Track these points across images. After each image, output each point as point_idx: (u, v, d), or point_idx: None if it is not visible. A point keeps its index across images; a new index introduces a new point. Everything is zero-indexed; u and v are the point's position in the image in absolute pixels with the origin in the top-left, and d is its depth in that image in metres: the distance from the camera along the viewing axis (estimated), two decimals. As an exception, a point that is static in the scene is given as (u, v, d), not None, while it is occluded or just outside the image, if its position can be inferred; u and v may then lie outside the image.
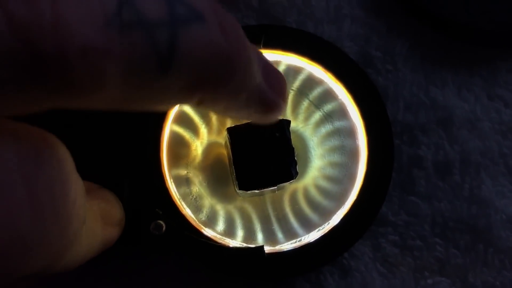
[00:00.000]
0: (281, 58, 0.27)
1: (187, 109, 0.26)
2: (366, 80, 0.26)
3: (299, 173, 0.26)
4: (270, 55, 0.26)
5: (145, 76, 0.13)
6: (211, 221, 0.25)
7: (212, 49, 0.14)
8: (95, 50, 0.12)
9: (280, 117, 0.24)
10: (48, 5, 0.11)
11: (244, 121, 0.24)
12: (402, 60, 0.29)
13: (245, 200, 0.26)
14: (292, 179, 0.24)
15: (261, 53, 0.18)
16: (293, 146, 0.24)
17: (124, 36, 0.12)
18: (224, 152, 0.26)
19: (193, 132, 0.26)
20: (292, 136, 0.26)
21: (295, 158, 0.24)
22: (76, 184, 0.15)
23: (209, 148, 0.26)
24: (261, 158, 0.24)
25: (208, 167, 0.26)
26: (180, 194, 0.25)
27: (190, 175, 0.26)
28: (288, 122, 0.24)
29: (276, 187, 0.25)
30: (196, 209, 0.25)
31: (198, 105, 0.16)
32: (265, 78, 0.18)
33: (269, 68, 0.19)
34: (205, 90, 0.15)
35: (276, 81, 0.19)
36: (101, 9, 0.12)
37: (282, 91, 0.19)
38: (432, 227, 0.27)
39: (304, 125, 0.27)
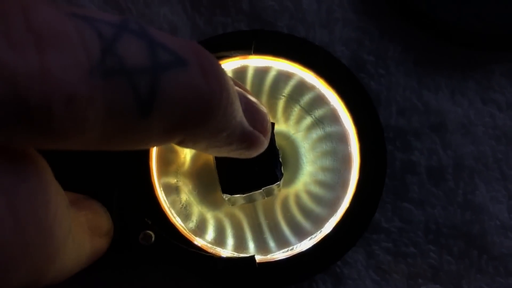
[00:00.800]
0: (272, 64, 0.26)
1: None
2: (358, 85, 0.26)
3: (290, 180, 0.26)
4: (261, 60, 0.26)
5: (126, 121, 0.13)
6: (200, 230, 0.25)
7: (193, 93, 0.14)
8: (79, 98, 0.12)
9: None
10: (35, 54, 0.11)
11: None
12: (395, 64, 0.29)
13: (236, 208, 0.25)
14: (277, 181, 0.24)
15: (243, 91, 0.19)
16: (278, 148, 0.24)
17: (106, 83, 0.13)
18: (211, 157, 0.26)
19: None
20: (283, 143, 0.26)
21: (280, 160, 0.24)
22: (56, 194, 0.15)
23: (198, 154, 0.26)
24: (245, 161, 0.23)
25: (198, 174, 0.26)
26: (169, 203, 0.25)
27: (180, 183, 0.25)
28: (272, 124, 0.24)
29: (263, 191, 0.24)
30: (186, 218, 0.25)
31: (179, 145, 0.16)
32: (246, 115, 0.18)
33: (251, 104, 0.19)
34: (185, 131, 0.15)
35: (258, 117, 0.19)
36: (85, 57, 0.12)
37: (264, 127, 0.20)
38: (426, 234, 0.27)
39: (295, 131, 0.26)
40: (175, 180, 0.25)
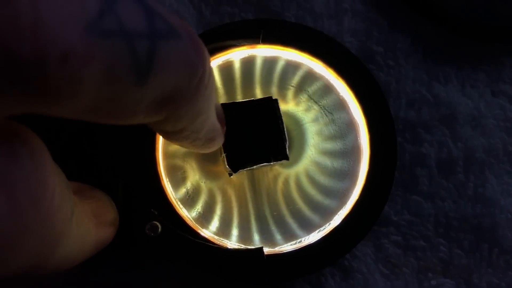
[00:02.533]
0: (281, 54, 0.26)
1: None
2: (368, 76, 0.26)
3: (299, 172, 0.25)
4: (270, 50, 0.26)
5: (122, 86, 0.13)
6: (206, 220, 0.25)
7: (186, 64, 0.14)
8: (75, 56, 0.11)
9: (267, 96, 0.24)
10: (27, 5, 0.10)
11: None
12: (404, 56, 0.28)
13: (244, 199, 0.25)
14: (286, 152, 0.24)
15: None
16: (287, 138, 0.24)
17: (104, 43, 0.12)
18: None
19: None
20: (292, 133, 0.25)
21: (285, 140, 0.24)
22: (53, 175, 0.14)
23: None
24: (250, 135, 0.23)
25: (205, 164, 0.25)
26: (176, 194, 0.24)
27: (186, 173, 0.25)
28: (275, 100, 0.24)
29: (268, 164, 0.24)
30: (192, 208, 0.25)
31: (157, 126, 0.16)
32: (218, 117, 0.20)
33: (220, 109, 0.21)
34: (174, 106, 0.15)
35: (221, 114, 0.21)
36: (82, 13, 0.11)
37: (223, 124, 0.21)
38: (436, 227, 0.27)
39: (304, 122, 0.26)
40: (182, 170, 0.25)
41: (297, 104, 0.26)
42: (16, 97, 0.11)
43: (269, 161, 0.24)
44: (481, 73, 0.28)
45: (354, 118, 0.26)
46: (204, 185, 0.25)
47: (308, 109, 0.26)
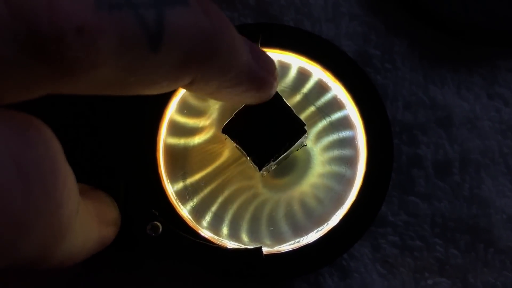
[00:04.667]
0: (279, 57, 0.26)
1: (187, 104, 0.26)
2: (366, 79, 0.26)
3: (296, 178, 0.26)
4: (268, 54, 0.26)
5: (137, 54, 0.14)
6: (203, 218, 0.25)
7: (197, 28, 0.15)
8: (90, 28, 0.12)
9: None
10: None
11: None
12: (401, 59, 0.29)
13: (243, 199, 0.25)
14: (304, 126, 0.23)
15: (247, 39, 0.19)
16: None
17: (114, 15, 0.13)
18: (217, 149, 0.26)
19: (189, 134, 0.26)
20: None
21: (274, 160, 0.24)
22: (65, 165, 0.15)
23: (205, 143, 0.26)
24: (265, 129, 0.23)
25: (205, 165, 0.26)
26: (176, 194, 0.25)
27: (187, 174, 0.25)
28: (305, 131, 0.24)
29: (292, 148, 0.24)
30: (191, 207, 0.25)
31: (191, 87, 0.17)
32: (253, 57, 0.19)
33: (257, 49, 0.20)
34: (195, 68, 0.16)
35: (264, 60, 0.20)
36: None
37: (272, 69, 0.20)
38: (432, 227, 0.27)
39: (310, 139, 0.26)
40: (182, 171, 0.25)
41: (294, 106, 0.26)
42: (40, 71, 0.12)
43: (248, 155, 0.23)
44: (477, 76, 0.29)
45: (351, 120, 0.26)
46: (203, 186, 0.25)
47: (305, 111, 0.26)
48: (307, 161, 0.26)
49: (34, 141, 0.14)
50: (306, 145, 0.25)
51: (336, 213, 0.25)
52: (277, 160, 0.24)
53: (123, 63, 0.14)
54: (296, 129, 0.24)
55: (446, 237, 0.27)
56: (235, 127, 0.23)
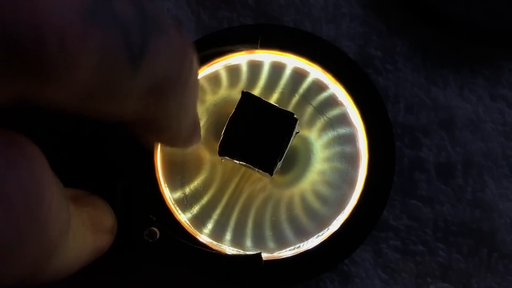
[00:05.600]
0: (278, 58, 0.26)
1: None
2: (366, 80, 0.26)
3: (297, 178, 0.25)
4: (268, 55, 0.26)
5: (117, 71, 0.14)
6: (203, 224, 0.24)
7: (174, 58, 0.16)
8: (72, 36, 0.12)
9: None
10: None
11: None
12: (403, 60, 0.28)
13: (242, 205, 0.25)
14: (293, 115, 0.24)
15: None
16: (291, 147, 0.24)
17: (100, 27, 0.13)
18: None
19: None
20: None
21: (280, 159, 0.23)
22: (51, 185, 0.15)
23: (204, 152, 0.25)
24: (254, 134, 0.23)
25: (203, 169, 0.25)
26: (174, 199, 0.24)
27: (185, 178, 0.25)
28: (296, 120, 0.24)
29: (253, 168, 0.24)
30: (189, 213, 0.25)
31: (147, 123, 0.17)
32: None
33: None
34: (163, 93, 0.16)
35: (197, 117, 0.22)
36: (78, 0, 0.12)
37: (198, 128, 0.22)
38: (434, 232, 0.27)
39: (302, 127, 0.26)
40: (180, 176, 0.25)
41: (295, 108, 0.26)
42: (14, 77, 0.12)
43: (254, 166, 0.23)
44: (480, 77, 0.28)
45: (352, 122, 0.26)
46: (202, 191, 0.25)
47: (306, 114, 0.26)
48: (309, 163, 0.26)
49: (17, 162, 0.13)
50: (298, 132, 0.25)
51: (337, 218, 0.25)
52: (283, 158, 0.24)
53: (101, 77, 0.13)
54: (287, 121, 0.23)
55: (449, 241, 0.27)
56: (229, 146, 0.23)
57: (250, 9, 0.29)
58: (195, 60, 0.17)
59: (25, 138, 0.14)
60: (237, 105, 0.23)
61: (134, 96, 0.15)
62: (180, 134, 0.20)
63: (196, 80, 0.18)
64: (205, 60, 0.25)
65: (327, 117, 0.26)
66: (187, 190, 0.25)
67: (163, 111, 0.17)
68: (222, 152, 0.23)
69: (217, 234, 0.24)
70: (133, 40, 0.14)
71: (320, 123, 0.26)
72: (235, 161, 0.23)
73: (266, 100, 0.24)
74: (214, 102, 0.25)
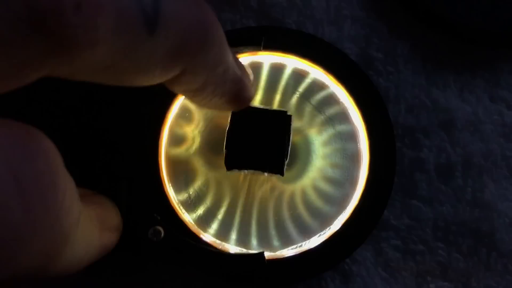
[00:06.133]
0: (281, 60, 0.26)
1: (187, 110, 0.25)
2: (368, 82, 0.26)
3: (299, 177, 0.26)
4: (271, 57, 0.26)
5: (133, 35, 0.14)
6: (208, 224, 0.25)
7: (191, 18, 0.16)
8: (88, 4, 0.12)
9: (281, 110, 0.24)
10: None
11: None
12: (404, 62, 0.29)
13: (244, 205, 0.25)
14: (286, 112, 0.24)
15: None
16: (292, 143, 0.24)
17: None
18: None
19: (191, 139, 0.25)
20: (294, 138, 0.26)
21: (286, 157, 0.24)
22: (65, 178, 0.15)
23: (206, 148, 0.26)
24: (255, 141, 0.23)
25: (207, 169, 0.25)
26: (178, 199, 0.25)
27: (189, 178, 0.25)
28: (290, 117, 0.24)
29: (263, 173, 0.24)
30: (193, 212, 0.25)
31: (179, 80, 0.17)
32: (234, 58, 0.20)
33: (235, 52, 0.21)
34: (187, 58, 0.16)
35: (244, 69, 0.21)
36: None
37: (247, 73, 0.21)
38: (434, 231, 0.27)
39: (304, 127, 0.26)
40: (184, 175, 0.25)
41: (298, 109, 0.26)
42: (38, 50, 0.12)
43: (264, 171, 0.24)
44: (479, 79, 0.29)
45: (353, 123, 0.26)
46: (206, 190, 0.25)
47: (308, 115, 0.26)
48: (311, 160, 0.26)
49: (33, 154, 0.13)
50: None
51: (339, 218, 0.25)
52: (288, 155, 0.24)
53: (119, 44, 0.14)
54: (282, 120, 0.24)
55: (449, 241, 0.27)
56: (235, 159, 0.23)
57: (253, 11, 0.29)
58: (213, 17, 0.17)
59: (42, 134, 0.14)
60: (231, 118, 0.23)
61: (158, 60, 0.15)
62: (223, 91, 0.19)
63: (221, 35, 0.18)
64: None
65: (327, 115, 0.26)
66: (191, 190, 0.25)
67: (194, 68, 0.17)
68: (231, 167, 0.23)
69: (222, 233, 0.25)
70: (147, 3, 0.14)
71: (319, 121, 0.26)
72: (244, 172, 0.24)
73: (255, 106, 0.24)
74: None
